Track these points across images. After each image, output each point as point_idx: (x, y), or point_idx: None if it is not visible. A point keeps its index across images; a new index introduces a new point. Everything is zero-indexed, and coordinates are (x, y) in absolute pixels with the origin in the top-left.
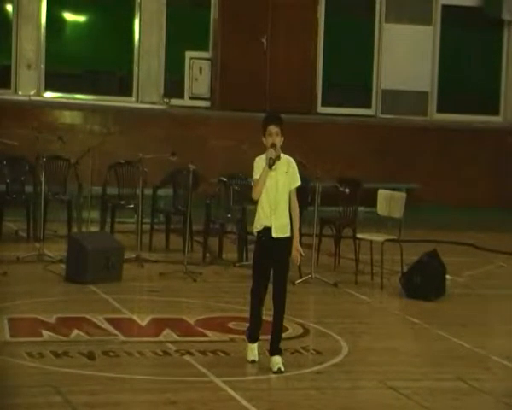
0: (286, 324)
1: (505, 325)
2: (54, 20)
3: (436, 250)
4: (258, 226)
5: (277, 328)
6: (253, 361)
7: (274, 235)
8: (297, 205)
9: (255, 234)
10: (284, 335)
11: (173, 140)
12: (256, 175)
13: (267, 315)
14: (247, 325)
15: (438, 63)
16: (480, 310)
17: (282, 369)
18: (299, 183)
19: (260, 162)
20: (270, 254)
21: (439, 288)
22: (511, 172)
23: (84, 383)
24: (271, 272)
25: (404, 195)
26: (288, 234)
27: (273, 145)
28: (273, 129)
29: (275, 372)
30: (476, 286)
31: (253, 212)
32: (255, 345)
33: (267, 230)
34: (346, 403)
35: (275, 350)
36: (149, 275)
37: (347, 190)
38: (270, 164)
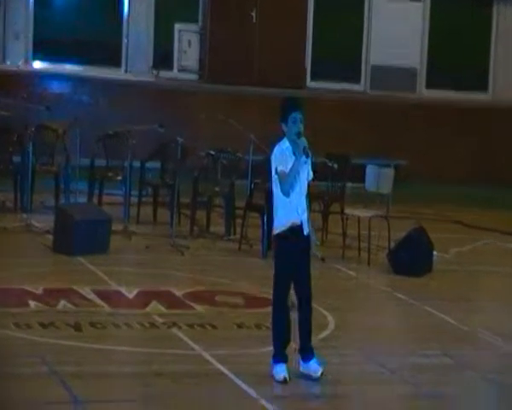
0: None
1: (491, 302)
2: None
3: (423, 227)
4: (284, 225)
5: (307, 329)
6: (285, 379)
7: (305, 232)
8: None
9: (277, 235)
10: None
11: (161, 112)
12: (282, 167)
13: None
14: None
15: (427, 40)
16: (466, 286)
17: (324, 371)
18: (312, 175)
19: (284, 152)
20: (298, 255)
21: (426, 264)
22: (499, 149)
23: (70, 353)
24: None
25: (392, 171)
26: (308, 229)
27: (300, 134)
28: (298, 116)
29: (316, 379)
30: (463, 263)
31: (241, 186)
32: (286, 365)
33: (297, 228)
34: (332, 378)
35: (308, 354)
36: (137, 247)
37: (335, 166)
38: (308, 153)
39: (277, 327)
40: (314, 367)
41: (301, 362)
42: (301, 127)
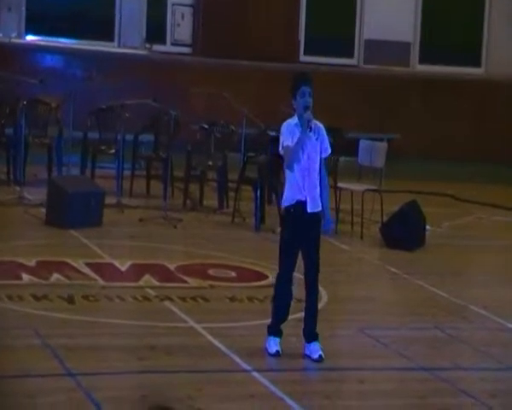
0: (266, 272)
1: (483, 276)
2: None
3: (416, 201)
4: (289, 200)
5: (312, 311)
6: (277, 352)
7: (309, 210)
8: (326, 175)
9: (283, 210)
10: (264, 282)
11: (155, 86)
12: (287, 142)
13: None
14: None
15: (421, 14)
16: (458, 260)
17: (323, 356)
18: (329, 151)
19: (291, 128)
20: (303, 232)
21: (418, 238)
22: (491, 124)
23: (63, 326)
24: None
25: (385, 145)
26: (320, 208)
27: (307, 108)
28: (307, 90)
29: (315, 360)
30: (455, 237)
31: (234, 159)
32: (279, 339)
33: (300, 204)
34: (325, 351)
35: (312, 336)
36: (129, 221)
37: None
38: (311, 127)
39: (278, 302)
40: (313, 349)
41: (305, 344)
42: (309, 101)
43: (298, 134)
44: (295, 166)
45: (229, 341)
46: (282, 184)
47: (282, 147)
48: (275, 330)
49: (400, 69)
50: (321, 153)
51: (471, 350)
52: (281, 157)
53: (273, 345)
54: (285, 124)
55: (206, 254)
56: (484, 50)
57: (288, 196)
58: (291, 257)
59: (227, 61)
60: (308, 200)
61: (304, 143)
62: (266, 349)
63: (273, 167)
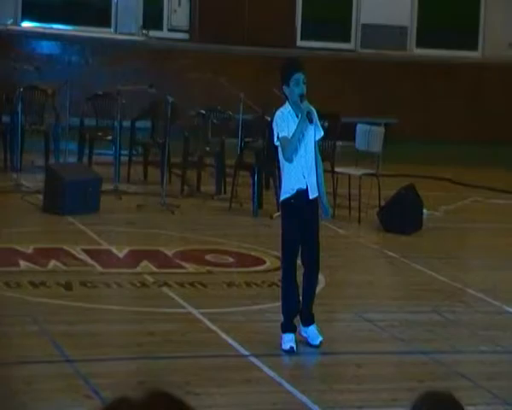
0: (264, 257)
1: (480, 259)
2: None
3: (413, 185)
4: (289, 191)
5: (310, 294)
6: (292, 349)
7: (311, 197)
8: (320, 159)
9: (281, 202)
10: (262, 267)
11: (151, 72)
12: (283, 133)
13: None
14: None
15: None
16: (456, 244)
17: (323, 341)
18: (322, 133)
19: (285, 117)
20: (304, 219)
21: (416, 222)
22: (488, 108)
23: (61, 313)
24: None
25: (382, 129)
26: (317, 193)
27: (303, 96)
28: (300, 76)
29: (316, 346)
30: (452, 220)
31: (231, 145)
32: (293, 335)
33: (302, 192)
34: (322, 335)
35: (309, 319)
36: (127, 207)
37: (326, 124)
38: (311, 119)
39: (287, 298)
40: (313, 335)
41: (301, 326)
42: (304, 88)
43: (293, 123)
44: (294, 156)
45: (227, 326)
46: (279, 169)
47: (278, 138)
48: (288, 327)
49: (397, 53)
50: (315, 136)
51: (469, 333)
52: (276, 147)
53: (287, 341)
54: (278, 113)
55: (203, 240)
56: (481, 34)
57: (288, 187)
58: (294, 248)
59: (224, 47)
60: (308, 187)
61: (300, 134)
62: (281, 347)
63: (270, 153)
